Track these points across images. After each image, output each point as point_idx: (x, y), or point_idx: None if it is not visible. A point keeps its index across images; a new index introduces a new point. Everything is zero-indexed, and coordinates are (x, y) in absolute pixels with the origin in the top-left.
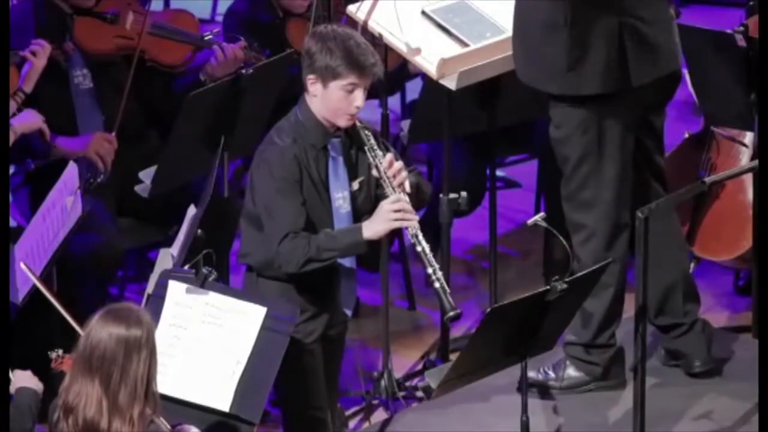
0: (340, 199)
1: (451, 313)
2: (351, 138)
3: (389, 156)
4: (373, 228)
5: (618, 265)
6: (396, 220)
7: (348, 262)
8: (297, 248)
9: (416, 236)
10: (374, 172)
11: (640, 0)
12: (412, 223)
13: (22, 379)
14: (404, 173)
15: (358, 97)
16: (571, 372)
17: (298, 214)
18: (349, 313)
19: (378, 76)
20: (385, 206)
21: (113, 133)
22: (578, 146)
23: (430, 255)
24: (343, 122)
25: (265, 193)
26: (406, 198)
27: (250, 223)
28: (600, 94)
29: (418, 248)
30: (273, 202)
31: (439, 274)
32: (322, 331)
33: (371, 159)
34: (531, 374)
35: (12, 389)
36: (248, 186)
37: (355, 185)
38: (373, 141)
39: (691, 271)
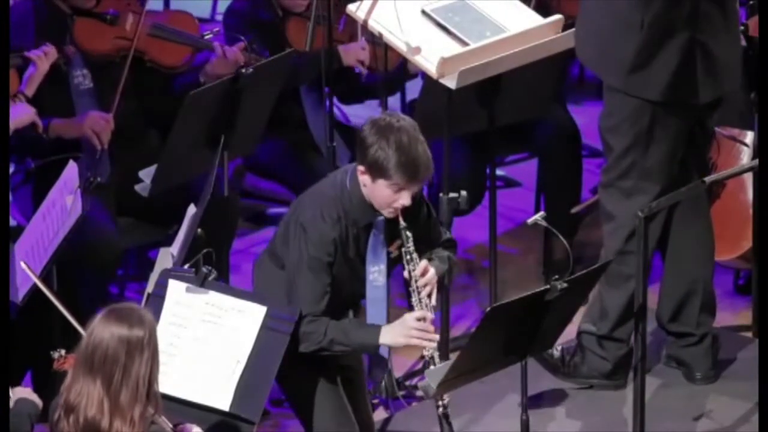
0: (375, 272)
1: None
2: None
3: (423, 264)
4: (391, 337)
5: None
6: (416, 338)
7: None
8: (312, 334)
9: (432, 358)
10: (405, 274)
11: (715, 17)
12: (431, 344)
13: (23, 394)
14: (434, 282)
15: (405, 197)
16: (578, 361)
17: (321, 296)
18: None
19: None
20: (409, 320)
21: (110, 114)
22: (626, 136)
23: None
24: (386, 214)
25: (297, 261)
26: (432, 315)
27: (272, 259)
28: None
29: (431, 368)
30: (301, 274)
31: (447, 400)
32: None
33: (405, 264)
34: None
35: (11, 403)
36: (282, 228)
37: (395, 251)
38: (411, 244)
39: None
